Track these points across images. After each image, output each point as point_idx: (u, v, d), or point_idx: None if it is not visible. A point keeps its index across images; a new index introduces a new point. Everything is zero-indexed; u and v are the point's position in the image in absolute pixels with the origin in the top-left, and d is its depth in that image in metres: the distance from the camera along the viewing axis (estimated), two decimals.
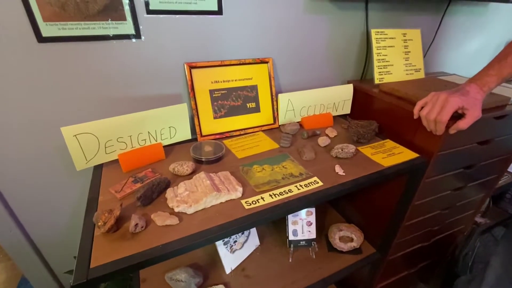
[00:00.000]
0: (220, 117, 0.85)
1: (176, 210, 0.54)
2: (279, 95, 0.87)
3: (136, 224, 0.48)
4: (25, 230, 0.83)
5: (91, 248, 0.46)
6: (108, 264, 0.43)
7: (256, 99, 0.89)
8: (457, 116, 0.66)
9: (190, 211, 0.53)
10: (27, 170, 0.75)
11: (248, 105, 0.88)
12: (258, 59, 0.87)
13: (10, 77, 0.64)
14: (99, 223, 0.48)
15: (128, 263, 0.43)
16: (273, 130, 0.91)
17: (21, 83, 0.65)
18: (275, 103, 0.90)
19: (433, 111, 0.66)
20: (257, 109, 0.89)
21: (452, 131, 0.68)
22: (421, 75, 1.04)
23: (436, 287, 1.37)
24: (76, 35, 0.64)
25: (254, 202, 0.57)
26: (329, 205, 1.17)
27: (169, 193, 0.57)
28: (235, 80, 0.85)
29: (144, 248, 0.46)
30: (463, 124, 0.65)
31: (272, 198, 0.59)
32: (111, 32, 0.67)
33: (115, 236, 0.49)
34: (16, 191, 0.77)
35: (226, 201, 0.58)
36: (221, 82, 0.83)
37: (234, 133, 0.87)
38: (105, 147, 0.66)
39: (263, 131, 0.90)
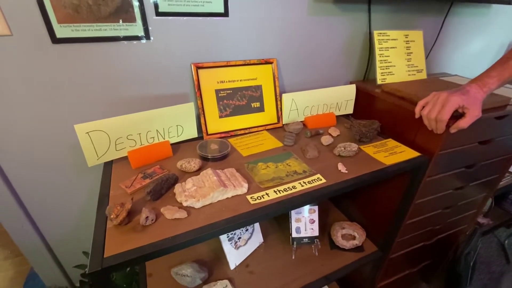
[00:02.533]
0: (226, 116, 0.87)
1: (185, 204, 0.56)
2: (283, 95, 0.89)
3: (147, 217, 0.51)
4: (36, 225, 0.86)
5: (104, 239, 0.48)
6: (121, 254, 0.45)
7: (260, 99, 0.91)
8: (457, 115, 0.67)
9: (197, 205, 0.56)
10: (39, 167, 0.78)
11: (252, 104, 0.90)
12: (263, 59, 0.89)
13: (26, 77, 0.66)
14: (112, 216, 0.50)
15: (140, 253, 0.45)
16: (277, 129, 0.93)
17: (35, 82, 0.68)
18: (279, 102, 0.92)
19: (434, 110, 0.68)
20: (261, 109, 0.91)
21: (452, 130, 0.69)
22: (423, 75, 1.05)
23: (438, 286, 1.38)
24: (89, 36, 0.67)
25: (259, 198, 0.59)
26: (332, 204, 1.18)
27: (177, 188, 0.60)
28: (240, 80, 0.87)
29: (154, 239, 0.48)
30: (463, 123, 0.66)
31: (277, 194, 0.61)
32: (121, 33, 0.70)
33: (127, 228, 0.51)
34: (28, 187, 0.79)
35: (232, 196, 0.60)
36: (226, 82, 0.86)
37: (239, 132, 0.89)
38: (115, 144, 0.69)
39: (267, 130, 0.92)
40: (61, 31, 0.65)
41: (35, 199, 0.82)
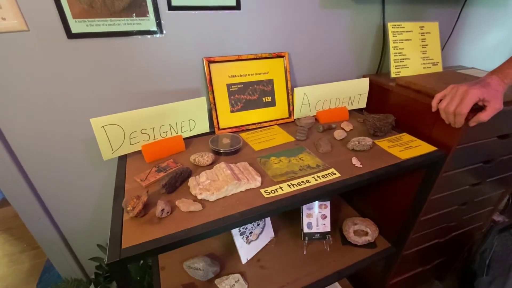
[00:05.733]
0: (237, 110, 0.87)
1: (199, 197, 0.56)
2: (295, 89, 0.88)
3: (163, 209, 0.51)
4: (52, 218, 0.88)
5: (121, 231, 0.49)
6: (138, 245, 0.45)
7: (272, 93, 0.90)
8: (477, 108, 0.65)
9: (212, 198, 0.56)
10: (55, 161, 0.79)
11: (264, 99, 0.90)
12: (274, 53, 0.88)
13: (42, 72, 0.68)
14: (128, 208, 0.51)
15: (157, 245, 0.46)
16: (289, 124, 0.92)
17: (52, 77, 0.69)
18: (290, 97, 0.91)
19: (452, 103, 0.66)
20: (272, 103, 0.91)
21: (472, 123, 0.67)
22: (438, 68, 1.03)
23: (450, 285, 1.35)
24: (103, 31, 0.68)
25: (273, 192, 0.59)
26: (343, 200, 1.17)
27: (191, 181, 0.60)
28: (251, 75, 0.87)
29: (170, 231, 0.48)
30: (483, 116, 0.64)
31: (290, 188, 0.60)
32: (135, 28, 0.70)
33: (143, 220, 0.51)
34: (45, 181, 0.81)
35: (246, 190, 0.60)
36: (238, 76, 0.85)
37: (250, 127, 0.88)
38: (130, 138, 0.69)
39: (278, 125, 0.91)
40: (76, 26, 0.65)
41: (52, 193, 0.84)
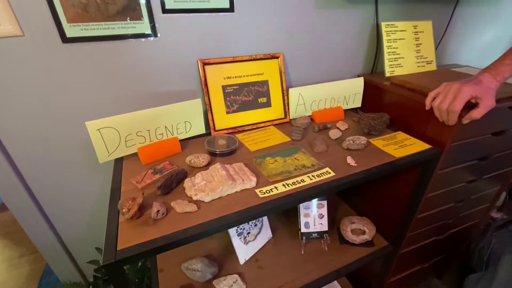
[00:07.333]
0: (233, 112, 0.87)
1: (194, 198, 0.56)
2: (290, 89, 0.89)
3: (158, 211, 0.51)
4: (50, 221, 0.88)
5: (116, 233, 0.49)
6: (134, 246, 0.46)
7: (267, 94, 0.91)
8: (470, 105, 0.66)
9: (207, 199, 0.56)
10: (52, 165, 0.79)
11: (259, 100, 0.90)
12: (269, 54, 0.88)
13: (38, 76, 0.68)
14: (124, 210, 0.51)
15: (152, 246, 0.46)
16: (284, 124, 0.93)
17: (47, 82, 0.69)
18: (286, 97, 0.92)
19: (445, 101, 0.66)
20: (268, 104, 0.91)
21: (465, 121, 0.67)
22: (433, 67, 1.03)
23: (449, 282, 1.35)
24: (98, 35, 0.68)
25: (268, 191, 0.59)
26: (341, 199, 1.17)
27: (187, 182, 0.60)
28: (246, 76, 0.87)
29: (166, 232, 0.49)
30: (476, 113, 0.65)
31: (285, 187, 0.60)
32: (129, 31, 0.70)
33: (138, 222, 0.52)
34: (42, 185, 0.81)
35: (241, 190, 0.60)
36: (233, 78, 0.86)
37: (246, 128, 0.89)
38: (125, 141, 0.70)
39: (274, 125, 0.92)
40: (71, 30, 0.66)
41: (49, 196, 0.84)
